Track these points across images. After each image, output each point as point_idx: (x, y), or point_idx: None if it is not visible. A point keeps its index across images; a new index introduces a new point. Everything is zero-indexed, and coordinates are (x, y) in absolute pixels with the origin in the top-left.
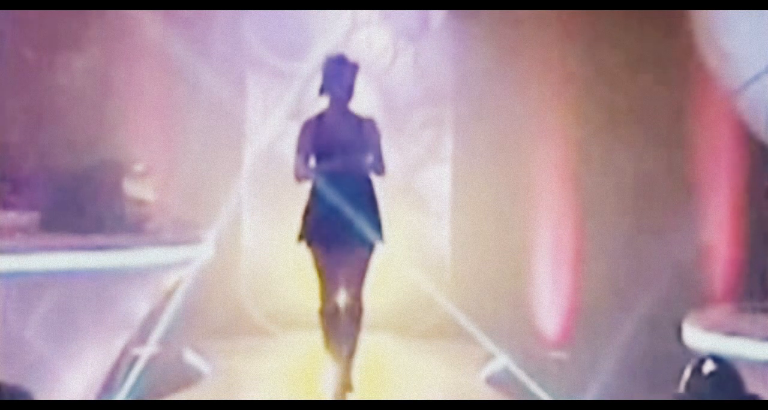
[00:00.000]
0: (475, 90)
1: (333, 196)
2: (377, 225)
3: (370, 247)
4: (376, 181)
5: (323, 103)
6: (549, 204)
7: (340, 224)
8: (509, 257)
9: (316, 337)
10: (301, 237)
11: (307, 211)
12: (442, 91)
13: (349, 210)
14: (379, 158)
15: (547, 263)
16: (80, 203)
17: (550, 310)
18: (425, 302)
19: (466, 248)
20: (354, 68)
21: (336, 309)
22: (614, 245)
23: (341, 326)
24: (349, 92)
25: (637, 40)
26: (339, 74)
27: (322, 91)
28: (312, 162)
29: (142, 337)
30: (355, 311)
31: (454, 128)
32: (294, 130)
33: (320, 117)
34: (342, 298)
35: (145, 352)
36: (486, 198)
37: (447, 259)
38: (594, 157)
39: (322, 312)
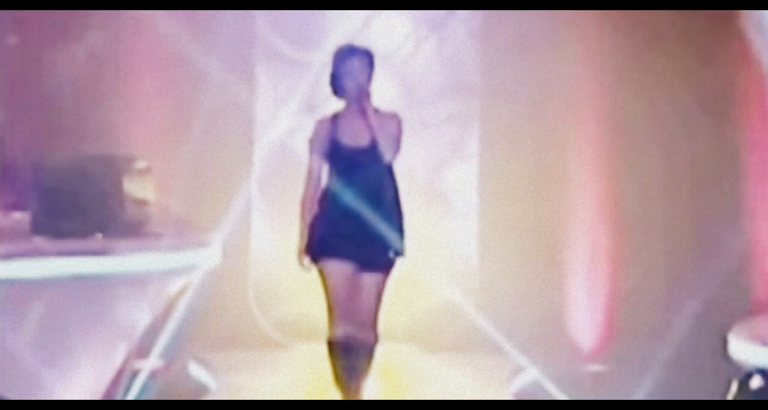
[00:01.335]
0: (504, 81)
1: (347, 204)
2: (399, 237)
3: (389, 263)
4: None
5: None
6: (584, 204)
7: (354, 236)
8: (541, 262)
9: None
10: (307, 251)
11: (315, 221)
12: (468, 82)
13: (365, 221)
14: (394, 142)
15: (582, 268)
16: (75, 203)
17: (585, 319)
18: (450, 311)
19: (494, 252)
20: (366, 58)
21: (347, 338)
22: (655, 249)
23: (352, 358)
24: (364, 89)
25: (680, 29)
26: (350, 69)
27: (334, 91)
28: (324, 174)
29: (143, 349)
30: (369, 342)
31: (480, 123)
32: (308, 125)
33: (335, 118)
34: (354, 326)
35: (147, 365)
36: (515, 198)
37: (474, 264)
38: (633, 154)
39: (331, 343)
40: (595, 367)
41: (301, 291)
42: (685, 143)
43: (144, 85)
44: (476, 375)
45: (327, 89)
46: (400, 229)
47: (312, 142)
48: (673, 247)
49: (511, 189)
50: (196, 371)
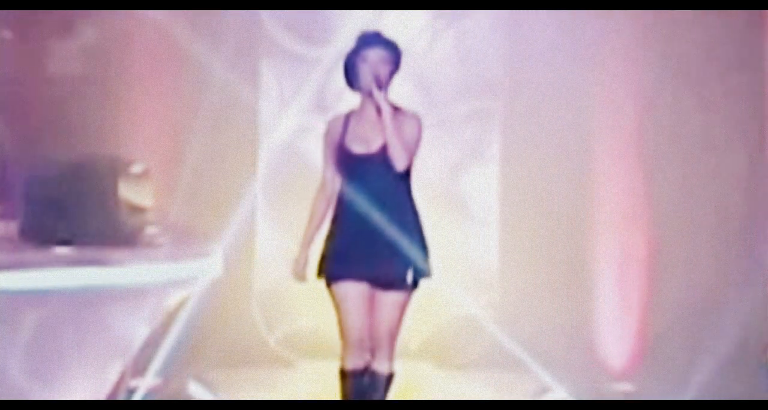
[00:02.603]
0: (528, 78)
1: (361, 218)
2: (423, 256)
3: (411, 286)
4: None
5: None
6: (614, 211)
7: (370, 255)
8: (567, 272)
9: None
10: (319, 273)
11: (328, 239)
12: (488, 79)
13: (382, 237)
14: (407, 150)
15: (612, 279)
16: (67, 209)
17: (615, 335)
18: (468, 326)
19: (517, 262)
20: (391, 50)
21: (361, 370)
22: (692, 259)
23: (366, 392)
24: (382, 84)
25: (715, 25)
26: (369, 58)
27: (348, 82)
28: (336, 179)
29: (139, 367)
30: (383, 375)
31: (502, 123)
32: (316, 125)
33: (347, 117)
34: (369, 357)
35: (143, 384)
36: (539, 203)
37: (495, 275)
38: (668, 157)
39: (344, 374)
40: (625, 386)
41: (310, 305)
42: (726, 144)
43: (141, 83)
44: (497, 394)
45: (337, 87)
46: (423, 247)
47: (323, 146)
48: (712, 257)
49: (534, 194)
50: (196, 390)
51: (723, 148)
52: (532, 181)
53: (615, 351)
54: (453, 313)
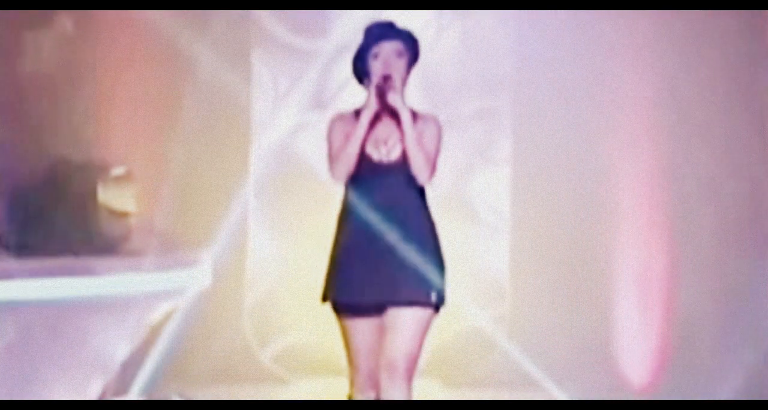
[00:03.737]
0: (539, 74)
1: (373, 235)
2: (440, 277)
3: (431, 308)
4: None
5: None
6: (633, 215)
7: (383, 275)
8: (583, 283)
9: (336, 385)
10: (325, 296)
11: (333, 258)
12: (497, 76)
13: (397, 255)
14: (431, 161)
15: (631, 290)
16: (43, 216)
17: (634, 349)
18: (479, 341)
19: (529, 272)
20: (407, 41)
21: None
22: (715, 268)
23: None
24: (396, 81)
25: (722, 28)
26: (382, 51)
27: (358, 78)
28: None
29: (121, 384)
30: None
31: (512, 122)
32: (313, 123)
33: (357, 113)
34: (381, 387)
35: None
36: (553, 208)
37: (505, 286)
38: (686, 161)
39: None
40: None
41: (305, 319)
42: (742, 145)
43: (124, 79)
44: None
45: (336, 82)
46: (440, 268)
47: (328, 143)
48: (738, 268)
49: (547, 198)
50: None
51: (740, 148)
52: (545, 184)
53: (634, 366)
54: (461, 327)
